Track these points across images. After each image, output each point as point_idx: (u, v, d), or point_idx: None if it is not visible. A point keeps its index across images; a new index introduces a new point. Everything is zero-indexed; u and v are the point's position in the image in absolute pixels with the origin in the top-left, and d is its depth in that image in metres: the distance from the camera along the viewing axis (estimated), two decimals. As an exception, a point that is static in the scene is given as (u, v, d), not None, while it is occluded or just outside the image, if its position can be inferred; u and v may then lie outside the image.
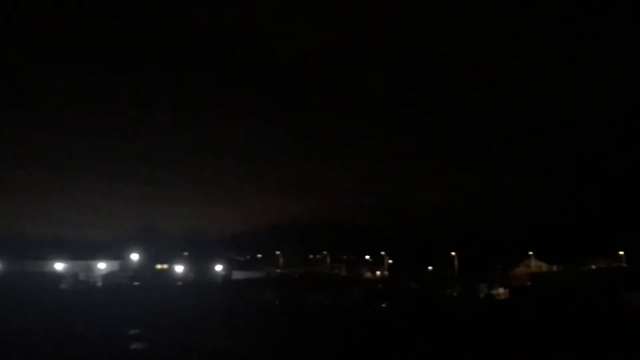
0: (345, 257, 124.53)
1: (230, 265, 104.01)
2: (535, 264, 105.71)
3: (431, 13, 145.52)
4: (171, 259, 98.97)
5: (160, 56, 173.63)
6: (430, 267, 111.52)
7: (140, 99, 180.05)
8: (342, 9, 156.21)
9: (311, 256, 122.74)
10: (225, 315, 40.12)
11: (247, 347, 29.04)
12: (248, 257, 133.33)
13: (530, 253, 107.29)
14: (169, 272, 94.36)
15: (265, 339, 30.98)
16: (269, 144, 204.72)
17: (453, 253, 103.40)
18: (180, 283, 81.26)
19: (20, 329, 32.69)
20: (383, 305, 53.16)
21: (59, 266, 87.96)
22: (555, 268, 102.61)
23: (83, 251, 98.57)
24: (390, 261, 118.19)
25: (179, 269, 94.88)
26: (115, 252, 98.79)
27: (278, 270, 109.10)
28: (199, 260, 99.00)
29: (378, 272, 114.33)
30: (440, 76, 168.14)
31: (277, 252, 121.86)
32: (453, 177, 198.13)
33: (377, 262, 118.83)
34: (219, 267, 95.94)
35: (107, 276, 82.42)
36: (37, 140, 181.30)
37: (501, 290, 69.29)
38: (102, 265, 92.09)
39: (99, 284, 79.02)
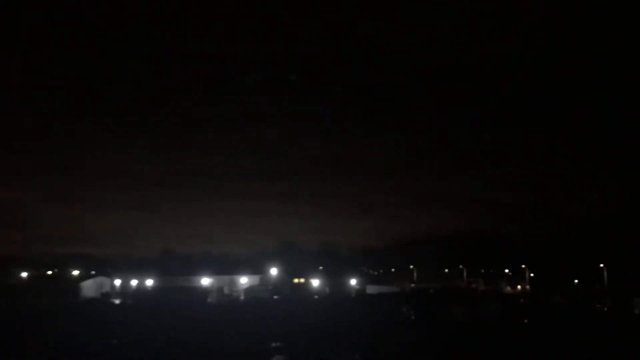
0: (482, 270, 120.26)
1: (364, 279, 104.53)
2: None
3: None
4: (307, 273, 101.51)
5: (293, 75, 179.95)
6: (576, 281, 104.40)
7: (275, 119, 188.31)
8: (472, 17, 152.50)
9: (446, 270, 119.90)
10: (361, 329, 40.41)
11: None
12: (381, 271, 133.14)
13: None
14: (305, 286, 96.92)
15: (402, 354, 30.82)
16: (404, 157, 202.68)
17: (602, 265, 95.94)
18: (316, 297, 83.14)
19: (173, 340, 35.31)
20: (526, 320, 50.74)
21: (206, 281, 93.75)
22: None
23: (227, 266, 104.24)
24: (531, 274, 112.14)
25: (314, 283, 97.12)
26: (255, 266, 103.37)
27: (412, 285, 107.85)
28: (334, 274, 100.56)
29: (519, 286, 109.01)
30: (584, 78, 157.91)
31: (411, 266, 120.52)
32: (601, 183, 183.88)
33: (518, 276, 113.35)
34: (353, 281, 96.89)
35: (249, 290, 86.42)
36: (181, 162, 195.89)
37: (660, 305, 63.11)
38: (244, 280, 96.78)
39: (242, 297, 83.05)
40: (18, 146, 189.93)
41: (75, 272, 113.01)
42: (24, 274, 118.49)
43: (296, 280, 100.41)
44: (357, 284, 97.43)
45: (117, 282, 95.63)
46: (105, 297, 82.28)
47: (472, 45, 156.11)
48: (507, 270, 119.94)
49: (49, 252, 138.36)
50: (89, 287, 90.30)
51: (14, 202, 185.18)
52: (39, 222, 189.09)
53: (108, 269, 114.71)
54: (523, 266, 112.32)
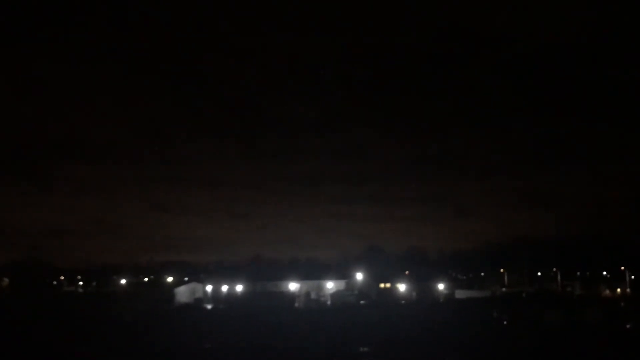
0: (578, 273, 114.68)
1: (453, 283, 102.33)
2: None
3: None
4: (394, 278, 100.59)
5: (380, 78, 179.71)
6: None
7: (362, 121, 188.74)
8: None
9: (539, 273, 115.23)
10: (450, 335, 39.59)
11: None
12: (470, 275, 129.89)
13: None
14: (392, 291, 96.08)
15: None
16: (495, 157, 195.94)
17: None
18: (403, 302, 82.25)
19: (263, 344, 36.07)
20: (628, 326, 47.86)
21: (293, 286, 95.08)
22: None
23: (314, 271, 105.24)
24: (632, 277, 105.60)
25: (401, 287, 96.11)
26: (342, 271, 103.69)
27: (503, 289, 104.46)
28: (421, 279, 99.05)
29: (618, 290, 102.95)
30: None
31: (502, 270, 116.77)
32: None
33: (617, 278, 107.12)
34: (441, 286, 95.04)
35: (335, 295, 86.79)
36: (268, 168, 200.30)
37: None
38: (330, 285, 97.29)
39: (328, 302, 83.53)
40: (116, 159, 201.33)
41: (170, 279, 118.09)
42: (123, 281, 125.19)
43: (382, 285, 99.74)
44: (445, 288, 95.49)
45: (209, 287, 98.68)
46: (198, 303, 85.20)
47: (573, 30, 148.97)
48: (605, 273, 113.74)
49: (147, 259, 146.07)
50: (183, 293, 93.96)
51: (117, 213, 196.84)
52: (138, 232, 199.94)
53: (201, 274, 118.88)
54: (622, 268, 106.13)
